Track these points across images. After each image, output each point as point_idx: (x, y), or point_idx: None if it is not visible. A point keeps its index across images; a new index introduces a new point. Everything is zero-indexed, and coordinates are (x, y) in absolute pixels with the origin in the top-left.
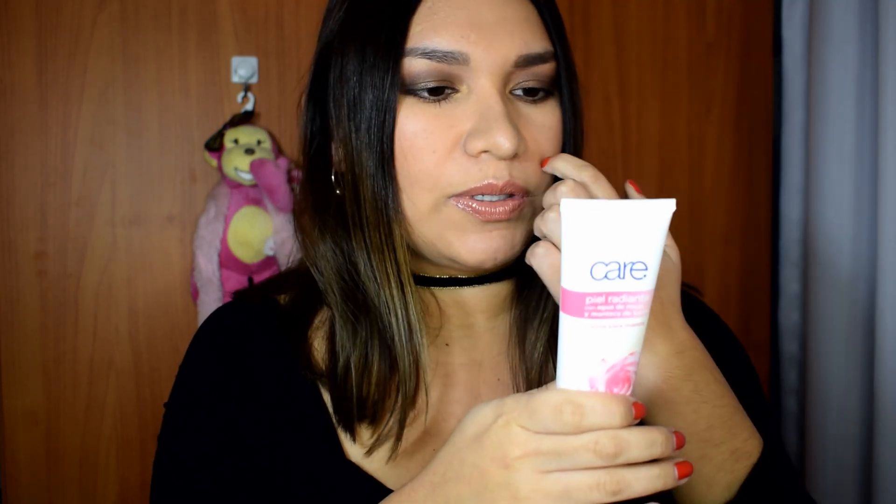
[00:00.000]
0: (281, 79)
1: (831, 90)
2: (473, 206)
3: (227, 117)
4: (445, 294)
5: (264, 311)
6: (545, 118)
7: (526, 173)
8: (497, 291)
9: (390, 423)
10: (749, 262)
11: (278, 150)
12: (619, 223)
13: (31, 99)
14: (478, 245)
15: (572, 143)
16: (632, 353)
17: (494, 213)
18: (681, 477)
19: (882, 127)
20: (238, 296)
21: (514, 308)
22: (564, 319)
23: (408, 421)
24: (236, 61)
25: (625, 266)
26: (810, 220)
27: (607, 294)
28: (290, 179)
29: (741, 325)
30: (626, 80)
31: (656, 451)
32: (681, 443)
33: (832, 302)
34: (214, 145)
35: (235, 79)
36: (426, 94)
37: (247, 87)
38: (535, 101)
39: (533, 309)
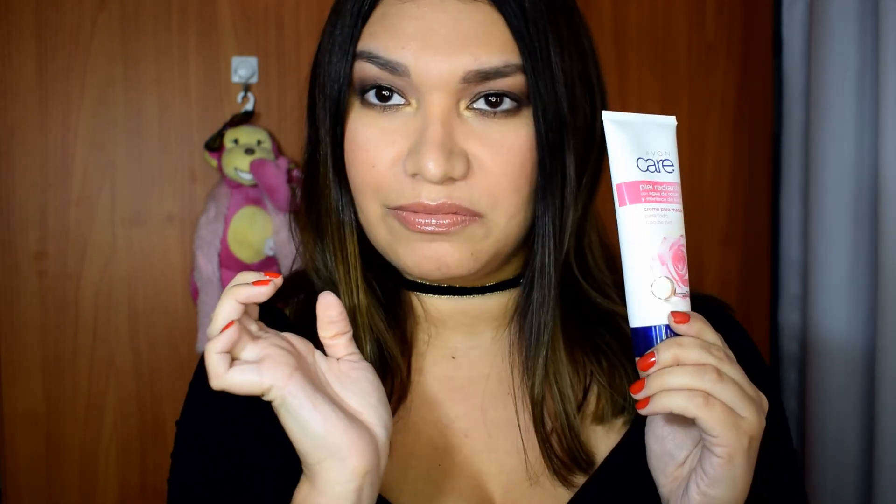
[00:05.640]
0: (281, 79)
1: (831, 90)
2: (404, 215)
3: (227, 117)
4: (447, 303)
5: (272, 325)
6: (505, 137)
7: (473, 194)
8: (502, 301)
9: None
10: (749, 262)
11: (278, 150)
12: (646, 128)
13: (31, 99)
14: (419, 253)
15: (549, 162)
16: (681, 235)
17: (428, 225)
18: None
19: (882, 127)
20: None
21: (518, 317)
22: (624, 212)
23: (412, 433)
24: (236, 61)
25: (658, 162)
26: (810, 219)
27: (653, 183)
28: (290, 179)
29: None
30: (626, 80)
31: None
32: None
33: (832, 302)
34: (214, 145)
35: (235, 79)
36: (374, 100)
37: (247, 87)
38: (496, 115)
39: (534, 319)
